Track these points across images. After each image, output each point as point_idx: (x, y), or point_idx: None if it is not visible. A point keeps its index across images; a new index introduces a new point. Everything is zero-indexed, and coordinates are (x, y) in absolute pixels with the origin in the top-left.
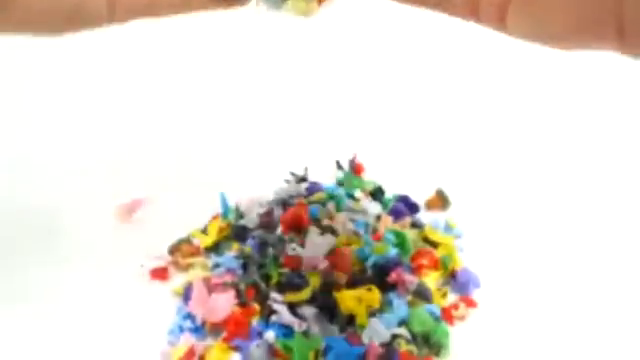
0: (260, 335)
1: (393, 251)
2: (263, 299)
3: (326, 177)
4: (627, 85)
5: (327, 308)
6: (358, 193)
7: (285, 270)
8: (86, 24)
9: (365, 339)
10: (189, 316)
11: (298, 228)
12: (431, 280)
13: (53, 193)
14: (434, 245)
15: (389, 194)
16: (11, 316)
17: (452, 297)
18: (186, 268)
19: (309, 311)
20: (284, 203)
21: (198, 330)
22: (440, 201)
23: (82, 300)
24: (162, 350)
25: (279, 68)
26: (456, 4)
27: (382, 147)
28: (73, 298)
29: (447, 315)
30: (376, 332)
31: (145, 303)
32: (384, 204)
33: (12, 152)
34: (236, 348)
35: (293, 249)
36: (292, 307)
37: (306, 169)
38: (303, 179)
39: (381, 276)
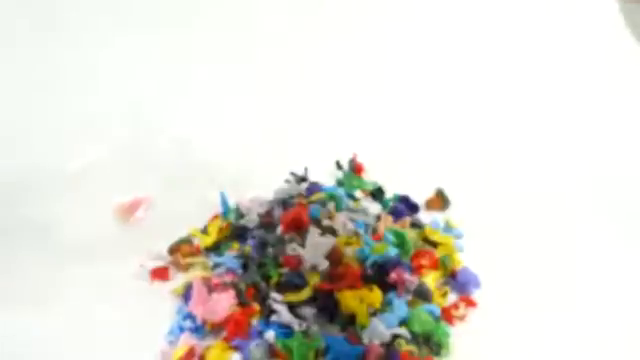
0: (260, 335)
1: (393, 251)
2: (263, 299)
3: (326, 177)
4: (626, 86)
5: (327, 308)
6: (358, 193)
7: (285, 270)
8: None
9: (365, 339)
10: (189, 316)
11: (298, 228)
12: (431, 280)
13: (53, 193)
14: (434, 245)
15: (389, 194)
16: (11, 316)
17: (452, 297)
18: (186, 268)
19: (309, 311)
20: (284, 203)
21: (198, 330)
22: (440, 201)
23: (82, 300)
24: (162, 350)
25: (279, 68)
26: None
27: (382, 147)
28: (73, 298)
29: (447, 315)
30: (376, 332)
31: (145, 303)
32: (384, 204)
33: (12, 152)
34: (236, 348)
35: (293, 249)
36: (292, 307)
37: (306, 169)
38: (303, 179)
39: (381, 276)
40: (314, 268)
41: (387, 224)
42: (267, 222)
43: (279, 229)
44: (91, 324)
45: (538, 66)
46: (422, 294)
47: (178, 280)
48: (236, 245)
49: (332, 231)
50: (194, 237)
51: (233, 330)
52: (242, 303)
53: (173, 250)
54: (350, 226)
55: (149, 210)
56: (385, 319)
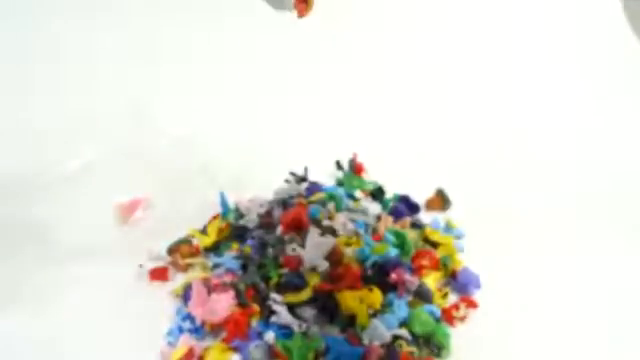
0: (260, 336)
1: (393, 251)
2: (263, 300)
3: (326, 177)
4: (628, 86)
5: (328, 309)
6: (358, 193)
7: (285, 270)
8: None
9: (365, 340)
10: (188, 317)
11: (298, 228)
12: (431, 281)
13: (52, 193)
14: (434, 245)
15: (389, 194)
16: (11, 316)
17: (453, 298)
18: (185, 268)
19: (309, 312)
20: (284, 203)
21: (197, 331)
22: (440, 201)
23: (80, 301)
24: (161, 351)
25: (279, 68)
26: None
27: (382, 147)
28: (71, 298)
29: (448, 316)
30: (377, 333)
31: (144, 304)
32: (384, 204)
33: (12, 152)
34: (235, 349)
35: (293, 249)
36: (292, 308)
37: (306, 169)
38: (303, 179)
39: (381, 277)
40: (314, 269)
41: (387, 224)
42: (267, 222)
43: (279, 229)
44: (89, 325)
45: (540, 66)
46: (422, 295)
47: (177, 281)
48: (236, 245)
49: (332, 231)
50: (193, 237)
51: (233, 331)
52: (242, 304)
53: (172, 250)
54: (350, 226)
55: (148, 210)
56: (385, 320)
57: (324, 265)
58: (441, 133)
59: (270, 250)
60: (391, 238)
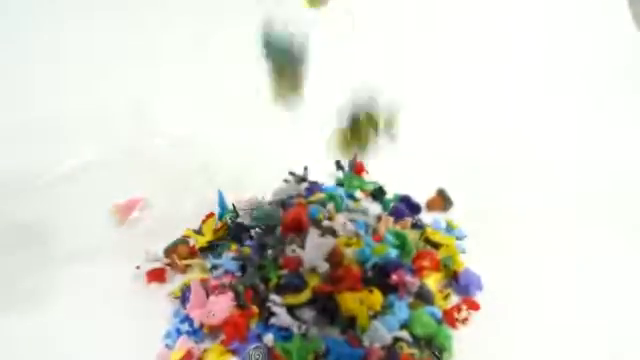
0: (259, 338)
1: (394, 252)
2: (262, 301)
3: (326, 177)
4: (631, 85)
5: (327, 310)
6: (358, 193)
7: (284, 272)
8: None
9: (366, 342)
10: (186, 319)
11: (298, 229)
12: (432, 282)
13: (52, 193)
14: (435, 246)
15: (390, 194)
16: (9, 317)
17: (454, 299)
18: (183, 269)
19: (308, 313)
20: (283, 203)
21: (196, 333)
22: (442, 201)
23: (78, 302)
24: (159, 353)
25: None
26: None
27: (382, 147)
28: (68, 300)
29: (449, 318)
30: (377, 335)
31: (141, 305)
32: (385, 204)
33: (12, 152)
34: (234, 351)
35: (292, 250)
36: (291, 309)
37: (306, 169)
38: (303, 179)
39: (382, 278)
40: (314, 270)
41: (388, 225)
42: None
43: (278, 230)
44: (86, 327)
45: (542, 65)
46: (423, 296)
47: (175, 282)
48: (234, 246)
49: (332, 232)
50: (189, 238)
51: (231, 333)
52: (240, 305)
53: (169, 251)
54: (350, 227)
55: (146, 210)
56: (386, 322)
57: (324, 266)
58: (442, 133)
59: (269, 251)
60: (392, 239)
